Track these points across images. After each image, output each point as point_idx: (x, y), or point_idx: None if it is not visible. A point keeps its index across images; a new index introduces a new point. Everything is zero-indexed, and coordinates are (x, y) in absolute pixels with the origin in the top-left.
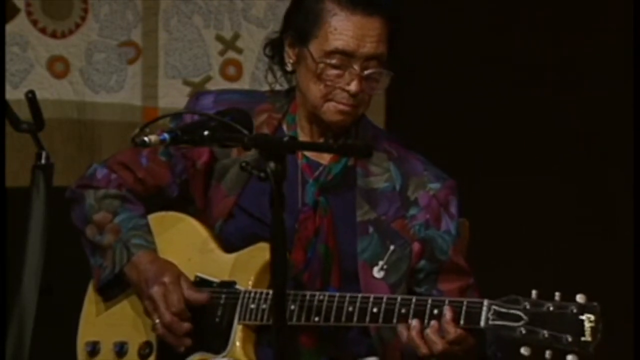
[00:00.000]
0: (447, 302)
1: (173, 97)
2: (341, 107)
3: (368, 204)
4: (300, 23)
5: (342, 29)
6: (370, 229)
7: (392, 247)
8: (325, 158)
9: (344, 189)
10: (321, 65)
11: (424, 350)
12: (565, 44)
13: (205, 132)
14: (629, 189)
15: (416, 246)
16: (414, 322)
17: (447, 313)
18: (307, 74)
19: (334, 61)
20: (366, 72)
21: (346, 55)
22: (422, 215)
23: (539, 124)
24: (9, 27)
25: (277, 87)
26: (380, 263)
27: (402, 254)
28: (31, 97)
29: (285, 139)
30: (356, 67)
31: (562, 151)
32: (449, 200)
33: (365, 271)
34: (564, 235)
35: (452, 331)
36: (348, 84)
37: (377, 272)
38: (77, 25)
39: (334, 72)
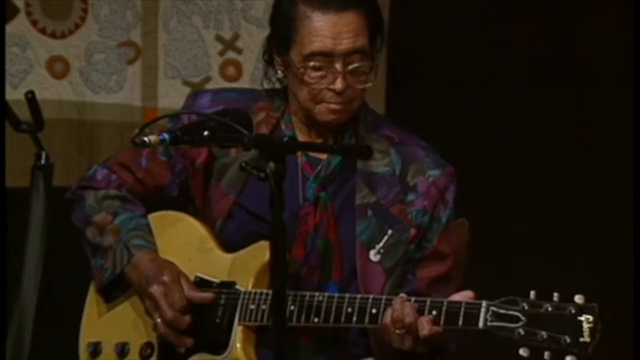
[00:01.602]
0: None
1: (173, 97)
2: (332, 106)
3: (367, 187)
4: (279, 31)
5: (317, 30)
6: (369, 212)
7: (390, 232)
8: (324, 154)
9: (345, 179)
10: (302, 70)
11: (425, 332)
12: (566, 41)
13: (205, 133)
14: (629, 187)
15: (412, 232)
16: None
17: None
18: (293, 79)
19: (314, 64)
20: (349, 68)
21: (325, 56)
22: (420, 202)
23: (540, 121)
24: (9, 28)
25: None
26: (377, 247)
27: (399, 238)
28: (31, 98)
29: (285, 139)
30: (338, 65)
31: (562, 149)
32: (447, 188)
33: (362, 254)
34: (563, 234)
35: (428, 328)
36: (332, 83)
37: (373, 256)
38: (77, 26)
39: (317, 74)
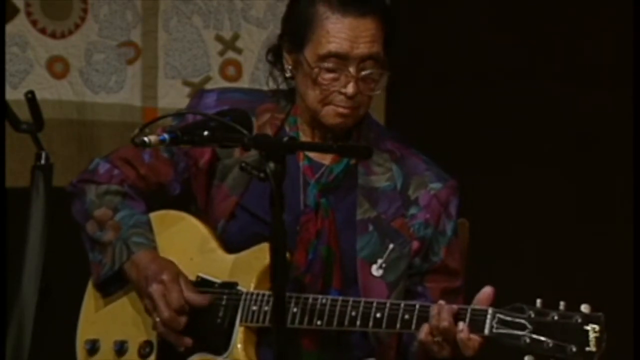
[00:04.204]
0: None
1: (173, 97)
2: (340, 110)
3: (368, 202)
4: (294, 29)
5: (335, 32)
6: (370, 227)
7: (391, 246)
8: (327, 158)
9: (346, 189)
10: (316, 70)
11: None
12: (566, 43)
13: (205, 133)
14: (629, 187)
15: (415, 245)
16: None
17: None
18: (304, 79)
19: (329, 65)
20: (362, 73)
21: (341, 58)
22: (422, 215)
23: (540, 124)
24: (9, 28)
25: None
26: (379, 261)
27: (401, 252)
28: (31, 98)
29: (285, 139)
30: (351, 69)
31: (562, 150)
32: (449, 201)
33: (364, 269)
34: (564, 236)
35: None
36: (344, 87)
37: (375, 271)
38: (77, 26)
39: (330, 75)
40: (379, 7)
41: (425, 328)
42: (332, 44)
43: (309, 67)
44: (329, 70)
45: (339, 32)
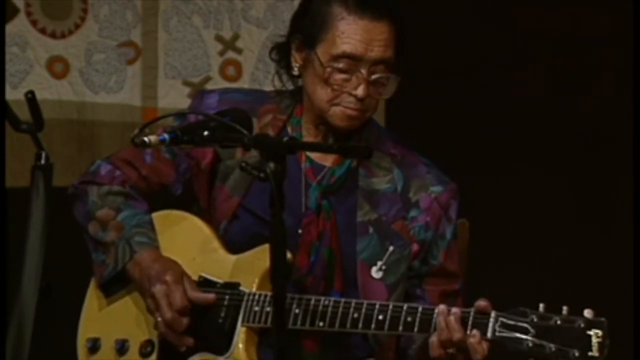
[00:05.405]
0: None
1: (173, 97)
2: (348, 111)
3: (369, 204)
4: (307, 27)
5: (350, 33)
6: (370, 229)
7: (391, 248)
8: (328, 160)
9: (347, 191)
10: (328, 70)
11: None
12: (566, 43)
13: (205, 133)
14: (630, 187)
15: (414, 247)
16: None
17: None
18: (314, 78)
19: (341, 65)
20: (373, 77)
21: (354, 60)
22: (423, 218)
23: (540, 124)
24: (9, 28)
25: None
26: (379, 263)
27: (401, 255)
28: (31, 98)
29: (285, 139)
30: (363, 71)
31: (562, 151)
32: (450, 204)
33: (364, 271)
34: (564, 236)
35: (481, 351)
36: (355, 89)
37: (375, 273)
38: (77, 26)
39: (341, 76)
40: (394, 12)
41: (434, 343)
42: (346, 45)
43: (320, 66)
44: (341, 71)
45: (354, 34)
